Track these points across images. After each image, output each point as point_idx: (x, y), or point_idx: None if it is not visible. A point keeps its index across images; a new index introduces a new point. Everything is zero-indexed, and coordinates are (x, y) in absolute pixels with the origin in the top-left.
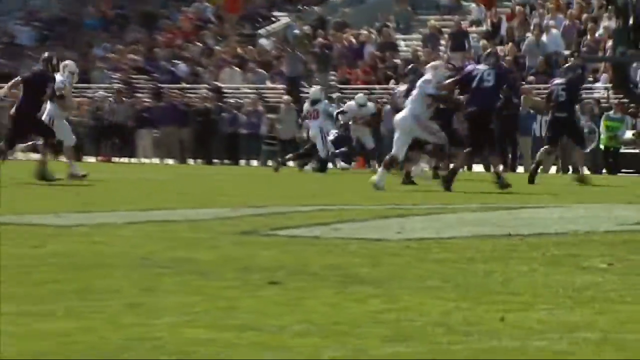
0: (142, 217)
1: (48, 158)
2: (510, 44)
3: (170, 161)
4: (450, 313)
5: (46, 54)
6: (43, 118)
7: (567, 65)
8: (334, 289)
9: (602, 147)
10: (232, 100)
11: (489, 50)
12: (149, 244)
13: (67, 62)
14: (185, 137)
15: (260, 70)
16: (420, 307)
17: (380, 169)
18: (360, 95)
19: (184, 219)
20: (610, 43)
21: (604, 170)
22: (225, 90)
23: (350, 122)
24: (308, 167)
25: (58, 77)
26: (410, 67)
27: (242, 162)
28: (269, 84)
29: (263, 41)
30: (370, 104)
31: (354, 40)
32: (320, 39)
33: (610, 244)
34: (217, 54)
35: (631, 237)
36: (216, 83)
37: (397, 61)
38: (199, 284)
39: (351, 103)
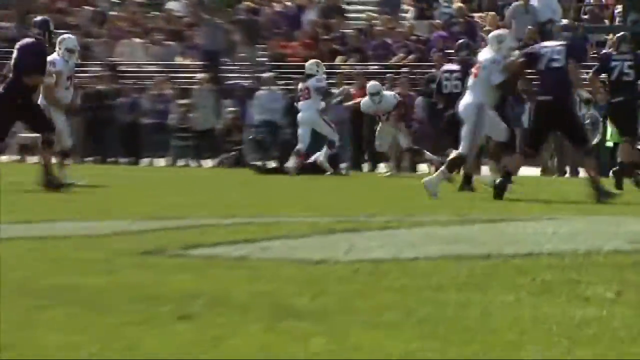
0: (14, 231)
1: (51, 158)
2: (492, 13)
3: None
4: (413, 355)
5: (39, 18)
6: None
7: (620, 35)
8: (263, 325)
9: (610, 143)
10: (131, 81)
11: (564, 23)
12: (23, 266)
13: (64, 35)
14: (72, 128)
15: (168, 42)
16: (374, 347)
17: (439, 170)
18: (371, 83)
19: (70, 234)
20: (619, 9)
21: (611, 173)
22: (123, 69)
23: (377, 125)
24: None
25: (53, 55)
26: (461, 41)
27: (145, 160)
28: (179, 60)
29: (172, 5)
30: (387, 93)
31: (289, 4)
32: (246, 3)
33: (619, 268)
34: (112, 22)
35: None
36: (111, 59)
37: (347, 31)
38: (89, 319)
39: (364, 100)
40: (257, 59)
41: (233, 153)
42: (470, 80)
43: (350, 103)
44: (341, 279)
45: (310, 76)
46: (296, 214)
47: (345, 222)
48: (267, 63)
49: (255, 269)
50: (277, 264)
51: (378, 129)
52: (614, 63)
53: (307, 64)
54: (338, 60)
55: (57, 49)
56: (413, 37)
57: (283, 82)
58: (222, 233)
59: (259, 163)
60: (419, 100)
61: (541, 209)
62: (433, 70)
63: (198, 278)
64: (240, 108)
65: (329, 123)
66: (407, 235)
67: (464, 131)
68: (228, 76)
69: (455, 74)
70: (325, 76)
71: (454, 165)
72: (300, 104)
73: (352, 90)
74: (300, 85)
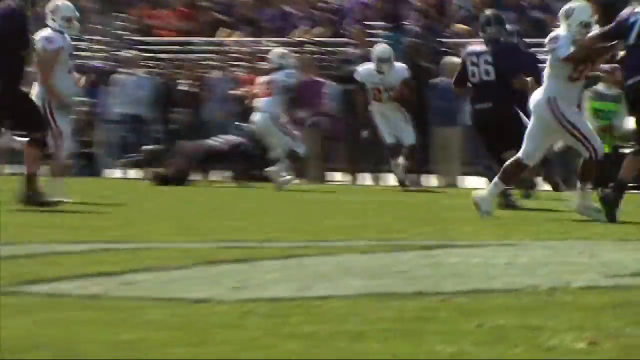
0: None
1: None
2: None
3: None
4: None
5: None
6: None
7: None
8: None
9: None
10: None
11: None
12: None
13: (56, 2)
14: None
15: None
16: None
17: (491, 183)
18: (382, 46)
19: None
20: None
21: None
22: None
23: (371, 105)
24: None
25: (44, 30)
26: (487, 14)
27: None
28: None
29: None
30: (399, 65)
31: None
32: None
33: (593, 309)
34: None
35: (626, 298)
36: None
37: None
38: None
39: (366, 66)
40: (116, 32)
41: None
42: (545, 71)
43: (240, 91)
44: (228, 325)
45: (276, 69)
46: (170, 239)
47: (235, 248)
48: (128, 38)
49: (115, 311)
50: (144, 304)
51: (377, 115)
52: None
53: (271, 55)
54: (222, 34)
55: (49, 20)
56: (321, 5)
57: (150, 62)
58: (70, 263)
59: (159, 170)
60: (330, 87)
61: (491, 232)
62: (349, 49)
63: (38, 323)
64: (93, 97)
65: (288, 130)
66: (316, 266)
67: (566, 138)
68: (76, 54)
69: (484, 57)
70: (294, 71)
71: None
72: (257, 102)
73: (240, 74)
74: (261, 79)
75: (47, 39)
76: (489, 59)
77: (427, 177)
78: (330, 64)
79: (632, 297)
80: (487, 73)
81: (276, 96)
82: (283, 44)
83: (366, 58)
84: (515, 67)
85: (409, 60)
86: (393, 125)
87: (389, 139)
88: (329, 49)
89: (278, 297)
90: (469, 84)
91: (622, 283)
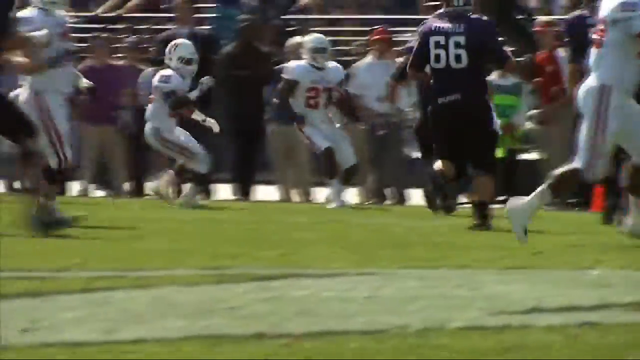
0: None
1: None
2: None
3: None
4: None
5: None
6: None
7: None
8: None
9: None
10: None
11: None
12: None
13: None
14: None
15: None
16: None
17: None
18: (316, 35)
19: None
20: None
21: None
22: None
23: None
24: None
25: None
26: None
27: None
28: None
29: None
30: (332, 63)
31: None
32: None
33: (475, 354)
34: None
35: (518, 340)
36: None
37: None
38: None
39: (299, 65)
40: None
41: None
42: (592, 54)
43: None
44: None
45: (160, 63)
46: None
47: (24, 279)
48: None
49: None
50: None
51: (307, 126)
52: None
53: (170, 46)
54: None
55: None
56: None
57: None
58: None
59: None
60: (146, 75)
61: (348, 258)
62: (170, 27)
63: None
64: None
65: (177, 147)
66: (127, 302)
67: (582, 132)
68: None
69: (455, 38)
70: (192, 67)
71: (562, 184)
72: (147, 110)
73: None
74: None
75: (24, 21)
76: (462, 41)
77: (264, 188)
78: (145, 46)
79: (525, 338)
80: (458, 59)
81: (158, 104)
82: (86, 20)
83: (192, 37)
84: (496, 49)
85: (245, 43)
86: (330, 138)
87: (324, 144)
88: (143, 26)
89: (79, 341)
90: (429, 69)
91: (512, 322)
